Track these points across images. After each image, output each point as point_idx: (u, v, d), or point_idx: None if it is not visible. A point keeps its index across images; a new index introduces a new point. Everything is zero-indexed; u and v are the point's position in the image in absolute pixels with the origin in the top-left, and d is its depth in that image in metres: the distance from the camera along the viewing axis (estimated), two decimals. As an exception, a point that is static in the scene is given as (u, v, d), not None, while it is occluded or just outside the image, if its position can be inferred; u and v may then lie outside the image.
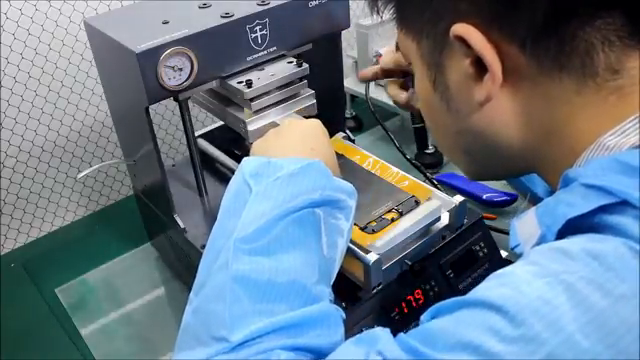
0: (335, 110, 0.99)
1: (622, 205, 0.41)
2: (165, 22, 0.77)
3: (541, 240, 0.45)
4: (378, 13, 0.56)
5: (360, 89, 1.31)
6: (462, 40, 0.47)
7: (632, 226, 0.40)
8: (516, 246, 0.48)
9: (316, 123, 0.72)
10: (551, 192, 0.49)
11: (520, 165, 0.55)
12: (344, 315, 0.56)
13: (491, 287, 0.42)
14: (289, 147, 0.66)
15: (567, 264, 0.40)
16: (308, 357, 0.50)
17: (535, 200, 0.84)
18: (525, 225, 0.48)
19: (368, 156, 0.89)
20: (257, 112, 0.82)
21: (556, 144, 0.49)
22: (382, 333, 0.46)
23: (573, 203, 0.43)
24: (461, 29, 0.47)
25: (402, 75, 0.87)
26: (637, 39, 0.45)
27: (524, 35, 0.46)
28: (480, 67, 0.48)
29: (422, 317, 0.46)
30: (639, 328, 0.37)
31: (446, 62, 0.51)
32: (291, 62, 0.84)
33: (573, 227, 0.43)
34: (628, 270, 0.38)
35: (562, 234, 0.44)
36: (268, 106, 0.83)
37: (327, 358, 0.47)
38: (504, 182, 1.09)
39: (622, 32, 0.44)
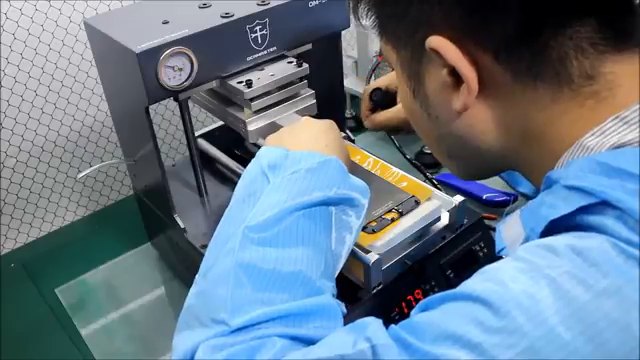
0: (335, 110, 0.99)
1: (602, 205, 0.41)
2: (165, 22, 0.77)
3: (525, 242, 0.46)
4: (359, 20, 0.57)
5: (360, 89, 1.31)
6: (437, 52, 0.48)
7: (613, 225, 0.40)
8: (501, 250, 0.49)
9: (330, 122, 0.72)
10: (536, 191, 0.49)
11: (503, 165, 0.56)
12: (345, 310, 0.56)
13: (477, 282, 0.44)
14: (304, 143, 0.66)
15: (552, 260, 0.41)
16: (304, 347, 0.50)
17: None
18: (510, 228, 0.49)
19: (368, 156, 0.89)
20: (257, 112, 0.82)
21: (536, 148, 0.50)
22: (372, 321, 0.47)
23: (555, 205, 0.44)
24: (436, 42, 0.48)
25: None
26: (612, 44, 0.45)
27: (497, 46, 0.46)
28: (457, 77, 0.49)
29: (412, 311, 0.47)
30: (619, 323, 0.38)
31: (424, 71, 0.52)
32: (291, 62, 0.84)
33: (556, 228, 0.44)
34: (611, 266, 0.39)
35: (546, 235, 0.44)
36: (268, 106, 0.83)
37: (317, 344, 0.48)
38: (504, 182, 1.10)
39: (595, 39, 0.45)
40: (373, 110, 0.94)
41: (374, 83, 0.95)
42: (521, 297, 0.40)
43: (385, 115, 0.92)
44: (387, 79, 0.94)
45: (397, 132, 0.96)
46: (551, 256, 0.41)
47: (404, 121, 0.88)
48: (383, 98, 0.92)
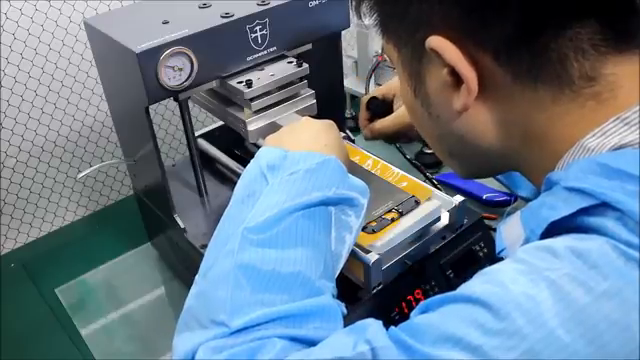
0: (335, 110, 0.99)
1: (603, 207, 0.41)
2: (165, 22, 0.77)
3: (525, 244, 0.46)
4: (361, 18, 0.57)
5: (360, 89, 1.31)
6: (437, 52, 0.48)
7: (613, 227, 0.40)
8: (501, 251, 0.49)
9: (330, 123, 0.72)
10: (537, 193, 0.49)
11: (504, 165, 0.56)
12: (345, 310, 0.56)
13: (477, 283, 0.44)
14: (303, 142, 0.66)
15: (552, 262, 0.41)
16: (304, 348, 0.50)
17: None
18: (511, 229, 0.49)
19: (368, 156, 0.89)
20: (257, 112, 0.82)
21: (537, 149, 0.50)
22: (372, 322, 0.47)
23: (555, 206, 0.44)
24: (436, 42, 0.48)
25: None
26: (613, 45, 0.45)
27: (497, 47, 0.46)
28: (457, 76, 0.49)
29: (412, 313, 0.47)
30: (619, 325, 0.38)
31: (425, 71, 0.52)
32: (291, 62, 0.84)
33: (556, 229, 0.44)
34: (611, 268, 0.39)
35: (546, 236, 0.44)
36: (268, 106, 0.83)
37: (317, 346, 0.48)
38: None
39: (595, 40, 0.45)
40: (371, 120, 0.94)
41: (371, 93, 0.95)
42: (521, 299, 0.40)
43: (382, 123, 0.92)
44: (384, 88, 0.94)
45: (396, 140, 0.96)
46: (551, 258, 0.41)
47: (402, 128, 0.89)
48: (380, 107, 0.93)
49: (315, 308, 0.53)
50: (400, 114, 0.90)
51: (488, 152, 0.53)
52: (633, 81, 0.45)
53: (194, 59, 0.76)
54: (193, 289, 0.56)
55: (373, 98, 0.93)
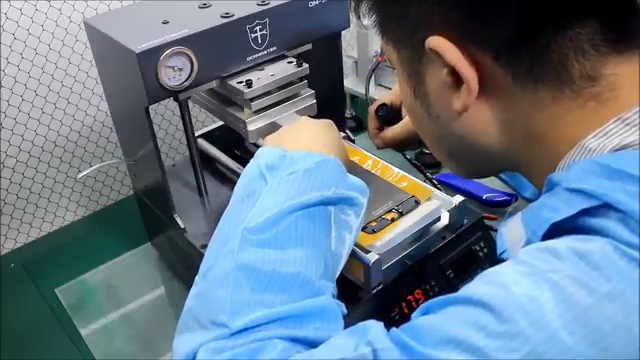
0: (335, 110, 0.99)
1: (604, 208, 0.41)
2: (165, 22, 0.77)
3: (526, 245, 0.46)
4: (359, 18, 0.57)
5: (360, 89, 1.31)
6: (437, 52, 0.48)
7: (614, 228, 0.40)
8: (503, 252, 0.49)
9: (329, 122, 0.72)
10: (538, 194, 0.49)
11: (504, 165, 0.56)
12: (345, 311, 0.56)
13: (478, 285, 0.43)
14: (302, 142, 0.66)
15: (554, 263, 0.41)
16: (305, 349, 0.51)
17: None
18: (511, 230, 0.49)
19: (368, 156, 0.89)
20: (257, 112, 0.82)
21: (537, 149, 0.50)
22: (374, 324, 0.47)
23: (556, 207, 0.44)
24: (436, 42, 0.48)
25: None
26: (613, 45, 0.45)
27: (497, 47, 0.46)
28: (457, 76, 0.49)
29: (413, 314, 0.46)
30: (623, 327, 0.38)
31: (425, 71, 0.52)
32: (291, 62, 0.84)
33: (558, 230, 0.44)
34: (613, 269, 0.39)
35: (547, 238, 0.44)
36: (268, 106, 0.83)
37: (319, 347, 0.48)
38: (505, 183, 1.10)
39: (595, 41, 0.45)
40: (381, 128, 0.94)
41: (378, 100, 0.94)
42: (523, 301, 0.40)
43: (393, 131, 0.91)
44: (390, 95, 0.94)
45: (406, 147, 0.95)
46: (553, 259, 0.41)
47: (413, 134, 0.88)
48: (389, 114, 0.92)
49: (315, 309, 0.53)
50: (410, 120, 0.89)
51: (488, 152, 0.53)
52: (633, 81, 0.45)
53: (194, 59, 0.76)
54: (193, 290, 0.56)
55: (381, 105, 0.93)
